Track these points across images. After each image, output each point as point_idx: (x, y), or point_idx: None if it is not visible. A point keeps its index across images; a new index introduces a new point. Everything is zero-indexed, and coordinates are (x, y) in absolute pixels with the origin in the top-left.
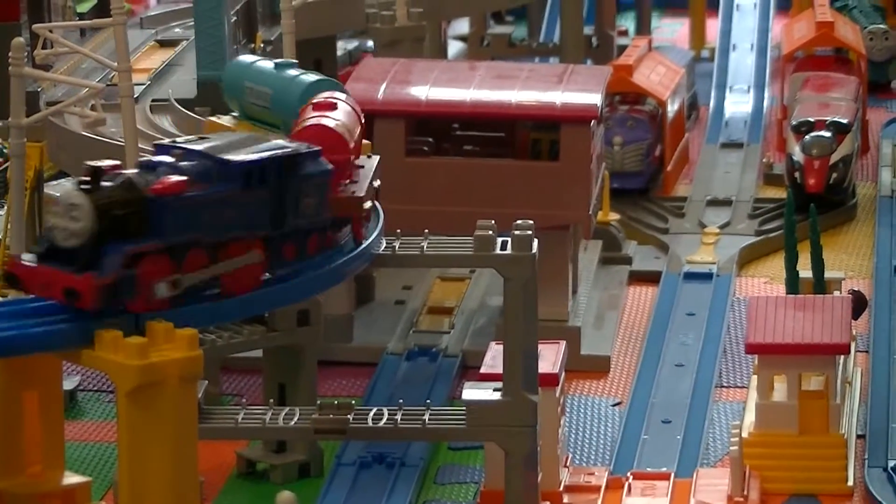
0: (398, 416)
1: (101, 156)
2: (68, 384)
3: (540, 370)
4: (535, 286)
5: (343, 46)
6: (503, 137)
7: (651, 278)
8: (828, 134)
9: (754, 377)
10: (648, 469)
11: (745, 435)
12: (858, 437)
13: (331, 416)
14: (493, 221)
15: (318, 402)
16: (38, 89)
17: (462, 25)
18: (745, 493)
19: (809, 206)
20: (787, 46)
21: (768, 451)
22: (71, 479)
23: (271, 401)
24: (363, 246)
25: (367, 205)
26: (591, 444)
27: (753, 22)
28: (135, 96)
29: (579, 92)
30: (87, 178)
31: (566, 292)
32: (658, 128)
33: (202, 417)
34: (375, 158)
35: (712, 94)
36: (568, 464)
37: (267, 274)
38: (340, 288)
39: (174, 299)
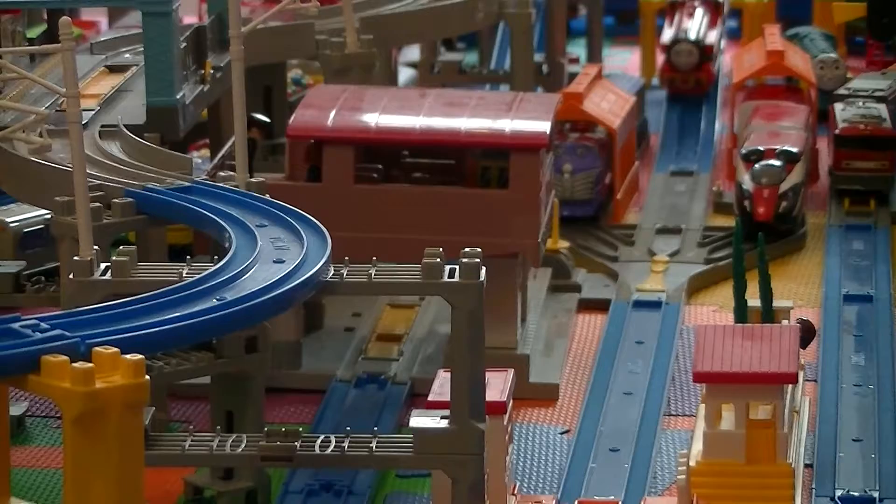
0: (346, 444)
1: (48, 181)
2: (16, 410)
3: (487, 398)
4: (482, 314)
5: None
6: (452, 165)
7: (600, 306)
8: (778, 163)
9: (702, 406)
10: (596, 497)
11: (692, 464)
12: (806, 466)
13: (278, 443)
14: (441, 249)
15: (266, 429)
16: None
17: (413, 52)
18: None
19: (758, 234)
20: (738, 75)
21: (716, 480)
22: None
23: (218, 427)
24: (310, 273)
25: None
26: (538, 472)
27: None
28: (84, 122)
29: (529, 119)
30: None
31: (515, 320)
32: (608, 156)
33: (149, 444)
34: None
35: (662, 122)
36: (515, 492)
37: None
38: (289, 314)
39: None
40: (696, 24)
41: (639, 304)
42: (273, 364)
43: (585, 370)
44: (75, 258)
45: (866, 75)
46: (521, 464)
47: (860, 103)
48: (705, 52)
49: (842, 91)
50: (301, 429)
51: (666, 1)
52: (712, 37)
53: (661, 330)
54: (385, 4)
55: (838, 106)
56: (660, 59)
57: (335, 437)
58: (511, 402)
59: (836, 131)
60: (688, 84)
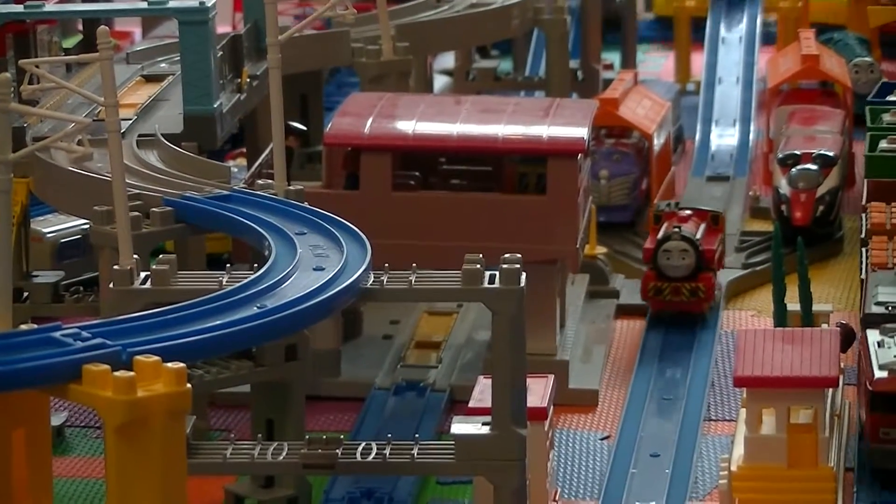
0: (387, 451)
1: (87, 191)
2: (56, 420)
3: (528, 404)
4: (523, 320)
5: None
6: (490, 171)
7: (638, 311)
8: (814, 167)
9: (743, 410)
10: (637, 503)
11: (733, 468)
12: (847, 470)
13: (319, 450)
14: (480, 255)
15: (307, 436)
16: (25, 125)
17: (447, 60)
18: None
19: (796, 239)
20: (773, 79)
21: (757, 485)
22: None
23: (259, 436)
24: (350, 280)
25: None
26: (579, 479)
27: (739, 55)
28: (121, 131)
29: (566, 126)
30: None
31: (554, 326)
32: (644, 161)
33: (190, 453)
34: None
35: (698, 127)
36: (556, 498)
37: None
38: (328, 322)
39: None
40: (691, 227)
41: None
42: (313, 372)
43: (625, 376)
44: (115, 267)
45: None
46: (562, 470)
47: None
48: (704, 257)
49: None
50: (342, 436)
51: (652, 212)
52: (713, 244)
53: (699, 335)
54: (421, 12)
55: (872, 336)
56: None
57: (376, 444)
58: (552, 408)
59: (870, 385)
60: (680, 296)
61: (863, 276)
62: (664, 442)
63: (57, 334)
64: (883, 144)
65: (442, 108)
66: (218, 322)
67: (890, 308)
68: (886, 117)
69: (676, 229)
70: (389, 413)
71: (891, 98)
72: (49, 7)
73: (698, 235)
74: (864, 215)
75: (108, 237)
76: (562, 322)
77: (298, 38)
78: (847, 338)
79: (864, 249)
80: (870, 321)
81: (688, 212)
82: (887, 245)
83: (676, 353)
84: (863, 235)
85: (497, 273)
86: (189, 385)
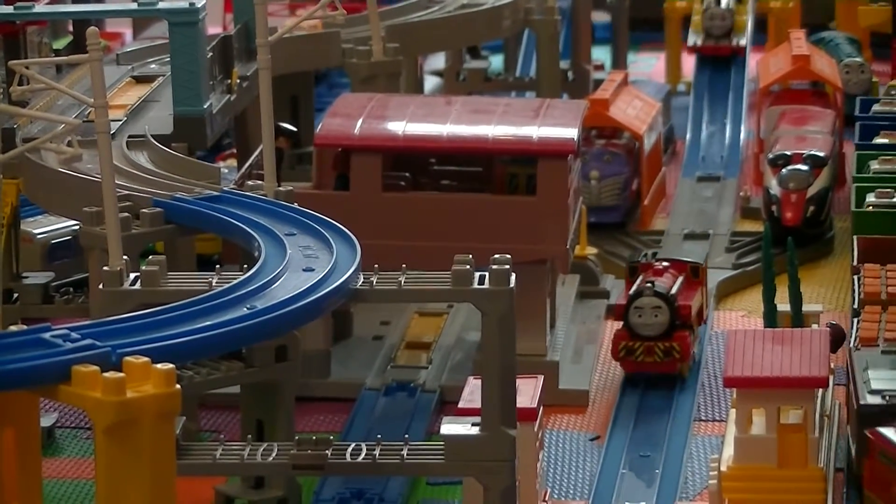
0: (376, 452)
1: (77, 192)
2: (46, 421)
3: (518, 405)
4: (512, 320)
5: None
6: (480, 172)
7: None
8: (805, 167)
9: (732, 411)
10: (627, 503)
11: (723, 469)
12: (837, 470)
13: (309, 451)
14: (470, 256)
15: (297, 437)
16: (15, 126)
17: (438, 60)
18: None
19: (787, 239)
20: (764, 80)
21: (747, 485)
22: None
23: (249, 437)
24: (340, 280)
25: None
26: (569, 479)
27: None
28: (111, 132)
29: (556, 126)
30: None
31: (544, 327)
32: (635, 162)
33: (180, 453)
34: None
35: (688, 127)
36: (546, 498)
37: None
38: (318, 323)
39: None
40: (667, 281)
41: None
42: (302, 373)
43: (615, 376)
44: (105, 268)
45: None
46: (552, 470)
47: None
48: (679, 314)
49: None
50: (331, 437)
51: (626, 264)
52: (692, 300)
53: None
54: (411, 13)
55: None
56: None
57: (366, 445)
58: (541, 408)
59: (859, 406)
60: (653, 356)
61: (851, 344)
62: (654, 442)
63: (46, 335)
64: (871, 198)
65: (432, 108)
66: (207, 323)
67: (888, 398)
68: (874, 165)
69: (649, 284)
70: (379, 414)
71: (878, 140)
72: (39, 8)
73: (674, 290)
74: (856, 279)
75: (98, 238)
76: (552, 323)
77: (289, 39)
78: (837, 338)
79: (855, 320)
80: (867, 415)
81: (665, 263)
82: (880, 317)
83: None
84: (855, 305)
85: (487, 274)
86: (178, 386)
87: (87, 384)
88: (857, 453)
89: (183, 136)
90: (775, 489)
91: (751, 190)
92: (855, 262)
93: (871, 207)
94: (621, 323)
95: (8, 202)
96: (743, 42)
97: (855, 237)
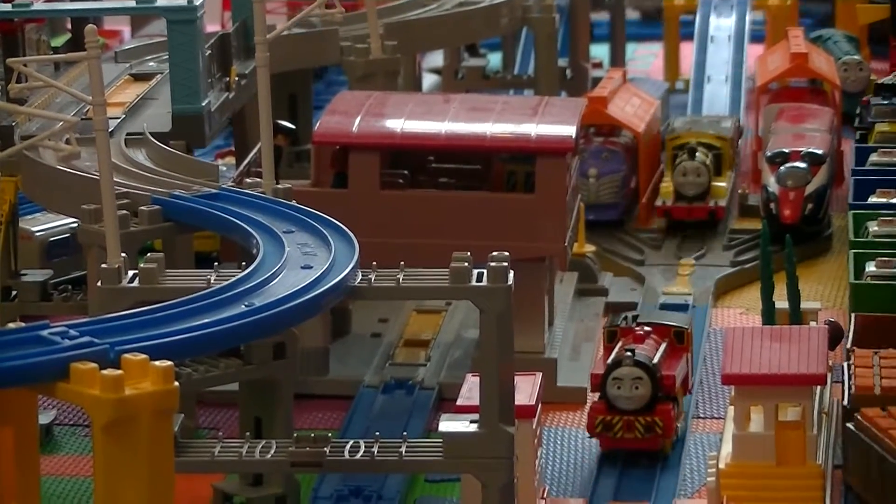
0: (375, 449)
1: (75, 189)
2: (44, 418)
3: (516, 402)
4: (510, 318)
5: None
6: (478, 170)
7: (627, 309)
8: (803, 165)
9: (731, 408)
10: (626, 501)
11: (722, 466)
12: (836, 467)
13: (307, 448)
14: (468, 253)
15: (295, 434)
16: (13, 123)
17: (436, 58)
18: None
19: (785, 237)
20: (762, 78)
21: (745, 482)
22: None
23: (247, 434)
24: (338, 278)
25: None
26: (568, 476)
27: (728, 53)
28: (109, 130)
29: (554, 124)
30: None
31: (542, 324)
32: (633, 159)
33: (178, 451)
34: None
35: None
36: (545, 495)
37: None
38: (316, 321)
39: None
40: (649, 348)
41: (666, 307)
42: (301, 370)
43: None
44: (103, 266)
45: None
46: (551, 467)
47: None
48: (662, 384)
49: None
50: (330, 434)
51: (604, 328)
52: (676, 369)
53: None
54: (409, 10)
55: None
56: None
57: (364, 443)
58: (540, 405)
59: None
60: (633, 432)
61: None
62: None
63: (45, 333)
64: (871, 268)
65: (430, 106)
66: (206, 320)
67: None
68: (873, 227)
69: (629, 353)
70: (378, 411)
71: (874, 199)
72: (37, 6)
73: (656, 359)
74: (845, 366)
75: (96, 236)
76: (550, 320)
77: (287, 37)
78: (835, 335)
79: (847, 426)
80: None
81: (646, 328)
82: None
83: None
84: (846, 403)
85: (485, 271)
86: (177, 383)
87: (85, 381)
88: None
89: (181, 133)
90: (773, 486)
91: (749, 187)
92: (850, 344)
93: (869, 278)
94: (597, 395)
95: (6, 200)
96: (722, 203)
97: (852, 315)
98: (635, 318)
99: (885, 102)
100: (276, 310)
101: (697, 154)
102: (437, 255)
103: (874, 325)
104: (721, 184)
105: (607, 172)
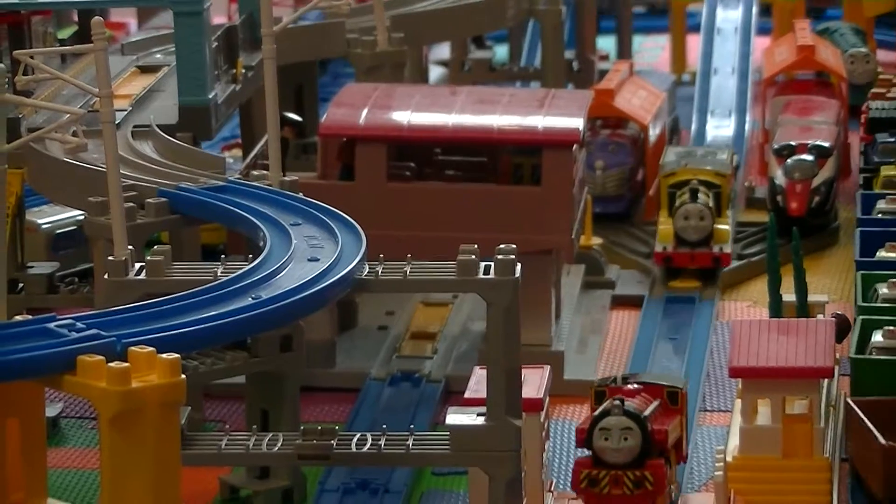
0: (382, 442)
1: (82, 182)
2: (51, 411)
3: (524, 395)
4: (517, 310)
5: None
6: (485, 162)
7: (634, 302)
8: (810, 157)
9: (738, 401)
10: None
11: (729, 459)
12: (843, 460)
13: (314, 441)
14: (475, 246)
15: (302, 427)
16: (20, 116)
17: (443, 50)
18: None
19: (792, 229)
20: (769, 70)
21: (753, 475)
22: None
23: (254, 427)
24: (345, 271)
25: None
26: None
27: (734, 46)
28: (116, 122)
29: (561, 116)
30: None
31: (549, 317)
32: (640, 152)
33: (185, 443)
34: None
35: (693, 118)
36: (552, 488)
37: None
38: (323, 313)
39: None
40: (639, 403)
41: (672, 300)
42: (308, 363)
43: (620, 367)
44: (110, 258)
45: None
46: (558, 460)
47: None
48: (653, 438)
49: None
50: (336, 427)
51: (591, 389)
52: (668, 426)
53: (694, 326)
54: (416, 2)
55: None
56: None
57: (371, 436)
58: (547, 398)
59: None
60: (621, 488)
61: None
62: None
63: (51, 325)
64: (877, 338)
65: (437, 98)
66: (212, 313)
67: None
68: (882, 289)
69: (618, 402)
70: (384, 404)
71: (882, 254)
72: None
73: (647, 412)
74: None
75: (103, 228)
76: (557, 313)
77: (293, 29)
78: (842, 328)
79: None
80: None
81: (636, 385)
82: None
83: (671, 343)
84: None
85: (492, 264)
86: (183, 376)
87: (91, 374)
88: None
89: (188, 125)
90: (781, 479)
91: (755, 180)
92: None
93: (874, 351)
94: (583, 449)
95: (13, 192)
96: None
97: (849, 400)
98: (625, 378)
99: (892, 140)
100: (282, 302)
101: (699, 196)
102: (443, 247)
103: (874, 411)
104: (723, 226)
105: (614, 165)
